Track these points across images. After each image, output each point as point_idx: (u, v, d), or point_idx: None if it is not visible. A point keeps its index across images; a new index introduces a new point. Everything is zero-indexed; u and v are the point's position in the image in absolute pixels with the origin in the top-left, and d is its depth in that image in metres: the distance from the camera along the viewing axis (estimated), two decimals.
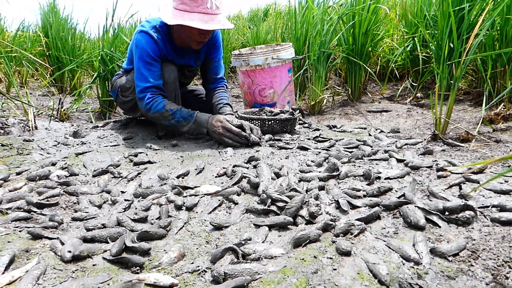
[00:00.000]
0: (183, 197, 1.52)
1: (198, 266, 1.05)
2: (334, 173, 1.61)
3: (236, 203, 1.43)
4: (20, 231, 1.27)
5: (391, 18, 4.02)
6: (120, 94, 2.59)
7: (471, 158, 1.75)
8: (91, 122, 3.05)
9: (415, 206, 1.23)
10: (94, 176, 1.80)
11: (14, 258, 1.09)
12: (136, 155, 2.05)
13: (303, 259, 1.04)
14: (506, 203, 1.21)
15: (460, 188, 1.39)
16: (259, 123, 2.39)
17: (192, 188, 1.59)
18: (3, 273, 1.01)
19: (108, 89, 3.30)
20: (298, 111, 2.52)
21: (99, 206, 1.48)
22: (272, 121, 2.39)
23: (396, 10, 4.20)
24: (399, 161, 1.76)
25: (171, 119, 2.25)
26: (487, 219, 1.17)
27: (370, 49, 3.33)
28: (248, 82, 3.03)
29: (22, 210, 1.41)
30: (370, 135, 2.35)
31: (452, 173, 1.53)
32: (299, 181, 1.60)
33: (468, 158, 1.74)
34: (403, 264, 1.00)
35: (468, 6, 2.47)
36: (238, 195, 1.50)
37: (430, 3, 3.21)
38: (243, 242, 1.13)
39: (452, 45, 2.46)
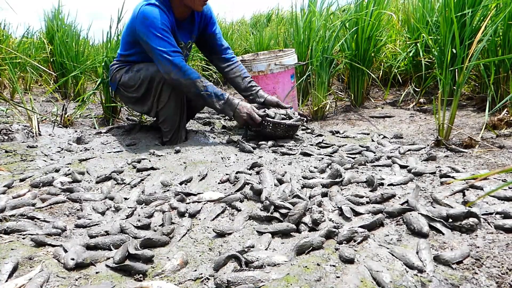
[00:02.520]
0: (186, 203, 1.52)
1: (201, 274, 1.05)
2: (337, 180, 1.61)
3: (239, 210, 1.43)
4: (23, 238, 1.27)
5: (393, 23, 4.02)
6: (123, 89, 2.57)
7: (475, 164, 1.74)
8: (95, 128, 3.06)
9: (419, 213, 1.23)
10: (97, 182, 1.81)
11: (18, 265, 1.10)
12: (139, 161, 2.06)
13: (306, 266, 1.03)
14: (510, 210, 1.20)
15: (464, 195, 1.38)
16: (264, 124, 2.35)
17: (195, 195, 1.59)
18: (6, 281, 1.02)
19: (111, 95, 3.31)
20: (303, 117, 2.51)
21: (102, 213, 1.48)
22: (277, 125, 2.36)
23: (398, 15, 4.21)
24: (402, 167, 1.76)
25: (203, 90, 2.29)
26: (491, 226, 1.16)
27: (373, 54, 3.34)
28: None
29: (25, 217, 1.41)
30: (373, 140, 2.34)
31: (456, 179, 1.52)
32: (302, 188, 1.60)
33: (472, 164, 1.74)
34: (407, 271, 0.99)
35: (470, 12, 2.48)
36: (241, 201, 1.50)
37: (432, 8, 3.22)
38: (246, 249, 1.13)
39: (454, 51, 2.46)
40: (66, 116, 3.09)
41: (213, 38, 2.67)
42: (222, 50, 2.71)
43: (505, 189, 1.38)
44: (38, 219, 1.40)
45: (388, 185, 1.56)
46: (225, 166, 1.95)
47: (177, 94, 2.41)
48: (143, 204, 1.55)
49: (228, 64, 2.71)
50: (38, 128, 2.64)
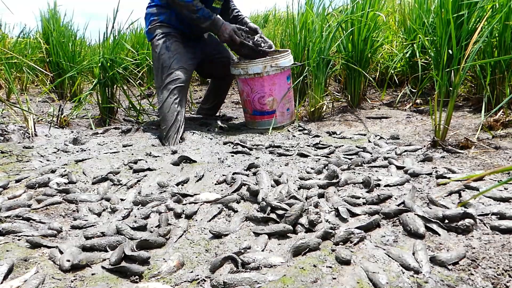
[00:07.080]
0: (183, 204, 1.52)
1: (198, 275, 1.05)
2: (334, 181, 1.61)
3: (235, 211, 1.43)
4: (19, 240, 1.26)
5: (390, 24, 4.03)
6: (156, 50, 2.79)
7: (471, 165, 1.75)
8: (91, 128, 3.05)
9: (415, 214, 1.23)
10: (93, 183, 1.80)
11: (13, 267, 1.09)
12: (135, 162, 2.05)
13: (302, 268, 1.03)
14: (505, 210, 1.21)
15: (460, 196, 1.39)
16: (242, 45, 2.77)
17: (191, 196, 1.59)
18: (1, 282, 1.01)
19: (108, 95, 3.30)
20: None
21: (99, 214, 1.48)
22: (251, 49, 2.82)
23: (395, 16, 4.22)
24: (398, 168, 1.76)
25: (194, 13, 2.57)
26: (487, 227, 1.17)
27: (369, 55, 3.34)
28: (247, 90, 3.03)
29: (21, 218, 1.40)
30: (369, 141, 2.35)
31: (452, 180, 1.53)
32: (299, 189, 1.60)
33: (468, 165, 1.74)
34: (403, 273, 0.99)
35: (467, 13, 2.48)
36: (238, 202, 1.50)
37: (428, 10, 3.23)
38: (242, 250, 1.13)
39: (451, 52, 2.47)
40: (62, 116, 3.07)
41: None
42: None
43: (501, 190, 1.39)
44: (34, 220, 1.40)
45: (385, 186, 1.56)
46: (222, 167, 1.94)
47: (175, 94, 2.53)
48: (140, 205, 1.54)
49: (227, 9, 3.15)
50: (34, 128, 2.62)
